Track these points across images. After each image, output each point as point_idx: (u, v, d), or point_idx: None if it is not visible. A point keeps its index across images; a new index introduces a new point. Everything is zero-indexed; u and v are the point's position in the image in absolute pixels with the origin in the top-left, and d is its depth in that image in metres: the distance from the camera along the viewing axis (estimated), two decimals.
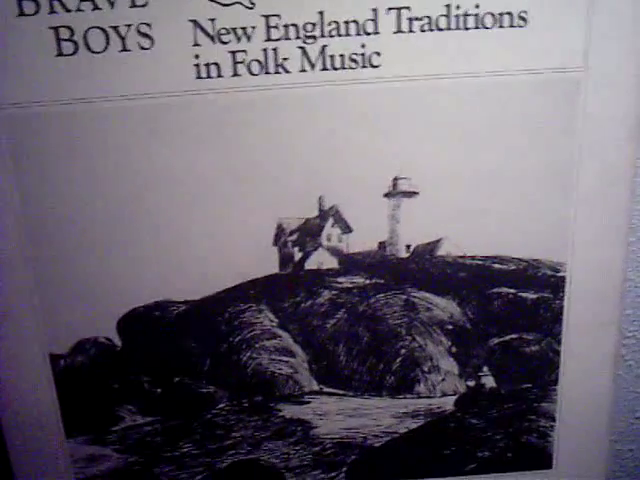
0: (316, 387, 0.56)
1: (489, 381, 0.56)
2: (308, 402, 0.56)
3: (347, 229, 0.51)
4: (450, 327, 0.54)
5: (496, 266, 0.53)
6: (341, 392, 0.56)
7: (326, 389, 0.56)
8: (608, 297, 0.54)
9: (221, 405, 0.55)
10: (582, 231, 0.52)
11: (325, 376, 0.55)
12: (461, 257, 0.52)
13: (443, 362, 0.55)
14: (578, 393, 0.57)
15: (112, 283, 0.51)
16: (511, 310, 0.54)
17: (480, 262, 0.53)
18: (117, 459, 0.56)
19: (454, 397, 0.56)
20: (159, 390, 0.55)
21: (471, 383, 0.56)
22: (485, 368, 0.56)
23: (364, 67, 0.47)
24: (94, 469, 0.56)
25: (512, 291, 0.54)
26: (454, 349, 0.55)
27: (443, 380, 0.56)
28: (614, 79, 0.48)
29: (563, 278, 0.53)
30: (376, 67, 0.47)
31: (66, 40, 0.45)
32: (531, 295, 0.54)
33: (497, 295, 0.54)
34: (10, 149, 0.47)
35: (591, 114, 0.49)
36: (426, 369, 0.55)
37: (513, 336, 0.55)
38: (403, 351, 0.55)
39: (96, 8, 0.44)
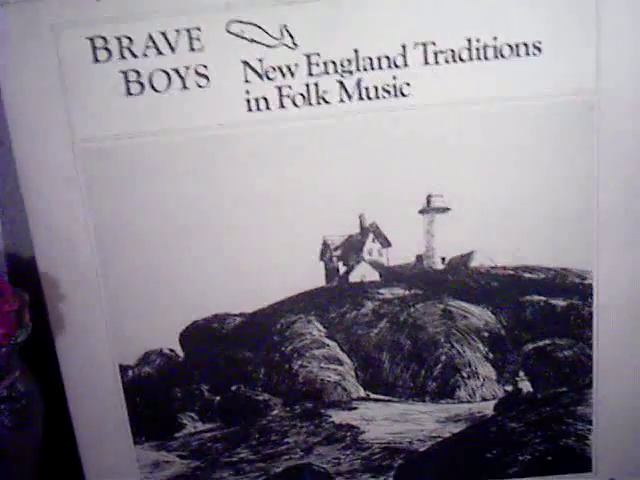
0: (363, 393, 0.60)
1: (526, 386, 0.60)
2: (356, 408, 0.60)
3: (386, 244, 0.56)
4: (486, 334, 0.58)
5: (526, 275, 0.57)
6: (386, 398, 0.60)
7: (372, 395, 0.60)
8: (635, 303, 0.57)
9: (275, 412, 0.60)
10: (605, 241, 0.55)
11: (371, 383, 0.60)
12: (493, 268, 0.57)
13: (481, 368, 0.59)
14: (613, 396, 0.59)
15: (175, 298, 0.57)
16: (543, 317, 0.58)
17: (511, 272, 0.57)
18: (180, 464, 0.61)
19: (493, 402, 0.60)
20: (218, 398, 0.60)
21: (509, 388, 0.60)
22: (521, 373, 0.59)
23: (396, 96, 0.52)
24: (159, 474, 0.61)
25: (543, 298, 0.57)
26: (491, 355, 0.59)
27: (482, 385, 0.59)
28: (625, 99, 0.52)
29: (590, 285, 0.57)
30: (406, 96, 0.52)
31: (134, 82, 0.52)
32: (561, 302, 0.58)
33: (529, 303, 0.58)
34: (85, 179, 0.54)
35: (605, 132, 0.53)
36: (465, 375, 0.59)
37: (546, 342, 0.58)
38: (443, 358, 0.59)
39: (160, 53, 0.51)
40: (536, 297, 0.58)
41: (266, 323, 0.58)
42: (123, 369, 0.58)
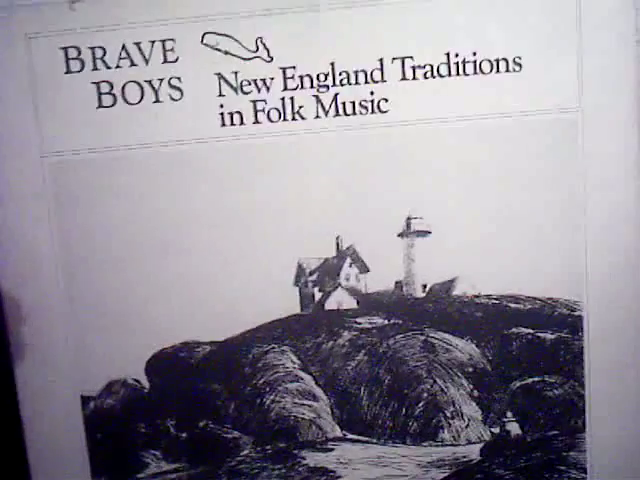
0: (339, 433, 0.56)
1: (514, 428, 0.56)
2: (332, 449, 0.56)
3: (364, 269, 0.53)
4: (470, 369, 0.55)
5: (512, 305, 0.54)
6: (364, 439, 0.56)
7: (349, 435, 0.56)
8: (629, 336, 0.54)
9: (245, 451, 0.56)
10: (595, 268, 0.53)
11: (348, 421, 0.56)
12: (476, 296, 0.54)
13: (466, 407, 0.55)
14: (608, 441, 0.55)
15: (143, 323, 0.54)
16: (530, 351, 0.55)
17: (496, 301, 0.54)
18: None
19: (479, 445, 0.56)
20: (184, 434, 0.56)
21: (496, 430, 0.56)
22: (509, 414, 0.55)
23: (373, 112, 0.51)
24: None
25: (530, 331, 0.54)
26: (476, 393, 0.55)
27: (467, 426, 0.56)
28: (609, 118, 0.51)
29: (580, 317, 0.54)
30: (384, 112, 0.51)
31: (106, 94, 0.51)
32: (549, 335, 0.54)
33: (515, 335, 0.54)
34: (54, 194, 0.52)
35: (591, 152, 0.51)
36: (449, 414, 0.55)
37: (535, 379, 0.55)
38: (425, 395, 0.55)
39: (133, 64, 0.50)
40: (523, 329, 0.54)
41: (237, 353, 0.55)
42: (85, 400, 0.55)
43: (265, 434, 0.56)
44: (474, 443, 0.56)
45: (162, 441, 0.56)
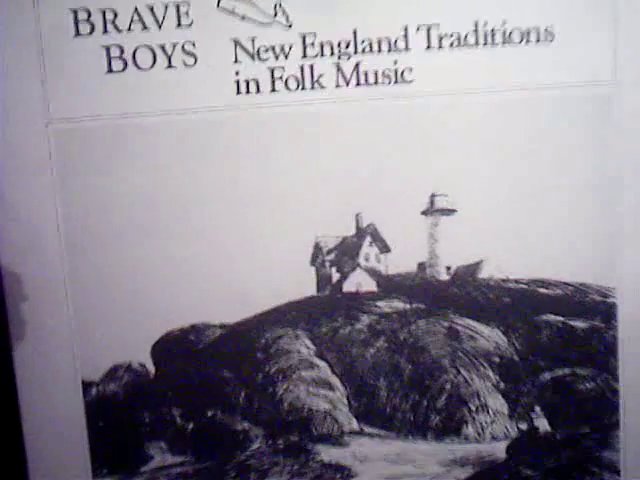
0: (356, 427, 0.52)
1: (543, 424, 0.52)
2: (347, 444, 0.53)
3: (385, 248, 0.51)
4: (497, 359, 0.52)
5: (541, 291, 0.51)
6: (382, 433, 0.52)
7: (367, 429, 0.52)
8: None
9: (256, 445, 0.53)
10: (630, 252, 0.50)
11: (365, 413, 0.52)
12: (504, 280, 0.51)
13: (491, 400, 0.52)
14: None
15: (150, 303, 0.51)
16: (561, 341, 0.51)
17: (524, 286, 0.51)
18: None
19: (505, 442, 0.52)
20: (191, 425, 0.53)
21: (523, 426, 0.52)
22: (537, 408, 0.52)
23: (397, 82, 0.48)
24: None
25: (560, 319, 0.51)
26: (502, 385, 0.52)
27: (493, 422, 0.52)
28: None
29: (614, 305, 0.50)
30: (409, 82, 0.49)
31: (116, 58, 0.48)
32: (581, 324, 0.51)
33: (545, 323, 0.51)
34: (58, 163, 0.49)
35: (626, 128, 0.48)
36: (473, 408, 0.52)
37: (566, 371, 0.51)
38: (448, 386, 0.52)
39: (145, 28, 0.48)
40: (553, 317, 0.51)
41: (249, 337, 0.52)
42: (86, 386, 0.52)
43: (277, 426, 0.52)
44: (500, 440, 0.52)
45: (167, 432, 0.53)
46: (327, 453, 0.53)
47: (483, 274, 0.51)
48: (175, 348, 0.52)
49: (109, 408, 0.52)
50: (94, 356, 0.51)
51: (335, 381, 0.52)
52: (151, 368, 0.52)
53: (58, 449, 0.52)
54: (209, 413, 0.52)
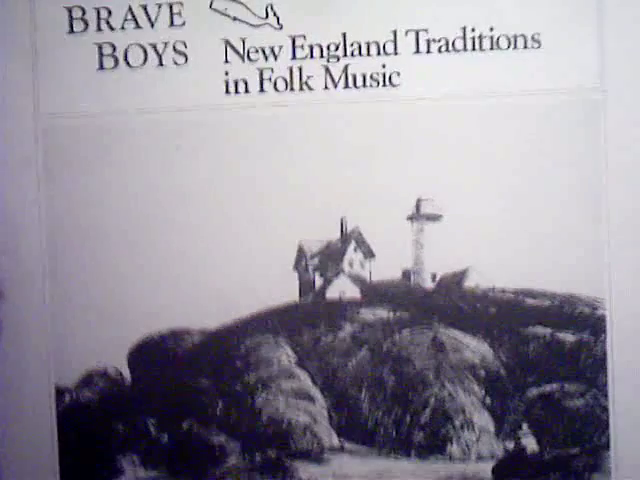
0: (336, 442, 0.50)
1: (530, 443, 0.50)
2: (327, 461, 0.50)
3: (369, 254, 0.50)
4: (482, 373, 0.50)
5: (529, 301, 0.50)
6: (364, 450, 0.50)
7: (347, 444, 0.50)
8: None
9: (232, 460, 0.50)
10: (619, 263, 0.49)
11: (346, 428, 0.50)
12: (490, 289, 0.50)
13: (477, 416, 0.50)
14: (635, 463, 0.49)
15: (128, 306, 0.50)
16: (549, 354, 0.50)
17: (511, 296, 0.50)
18: None
19: (491, 463, 0.50)
20: (166, 437, 0.50)
21: (510, 445, 0.50)
22: (525, 426, 0.50)
23: (385, 86, 0.49)
24: None
25: (549, 331, 0.50)
26: (488, 400, 0.50)
27: (478, 440, 0.50)
28: (634, 99, 0.48)
29: (603, 317, 0.49)
30: (396, 86, 0.49)
31: (108, 56, 0.49)
32: (569, 337, 0.50)
33: (532, 335, 0.50)
34: (44, 159, 0.49)
35: (613, 136, 0.48)
36: (458, 424, 0.50)
37: (554, 386, 0.50)
38: (432, 400, 0.50)
39: (137, 27, 0.49)
40: (541, 329, 0.50)
41: (229, 344, 0.50)
42: (60, 392, 0.50)
43: (255, 440, 0.50)
44: (486, 460, 0.50)
45: (141, 443, 0.51)
46: (306, 471, 0.50)
47: (469, 283, 0.50)
48: (153, 354, 0.50)
49: (82, 416, 0.50)
50: (69, 360, 0.50)
51: (315, 392, 0.50)
52: (127, 375, 0.50)
53: (27, 458, 0.50)
54: (185, 425, 0.50)
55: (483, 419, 0.50)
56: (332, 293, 0.50)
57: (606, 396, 0.50)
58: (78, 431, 0.50)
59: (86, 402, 0.50)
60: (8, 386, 0.50)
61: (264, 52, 0.49)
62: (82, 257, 0.50)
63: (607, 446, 0.50)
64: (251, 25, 0.49)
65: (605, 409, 0.50)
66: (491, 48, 0.49)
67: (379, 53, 0.49)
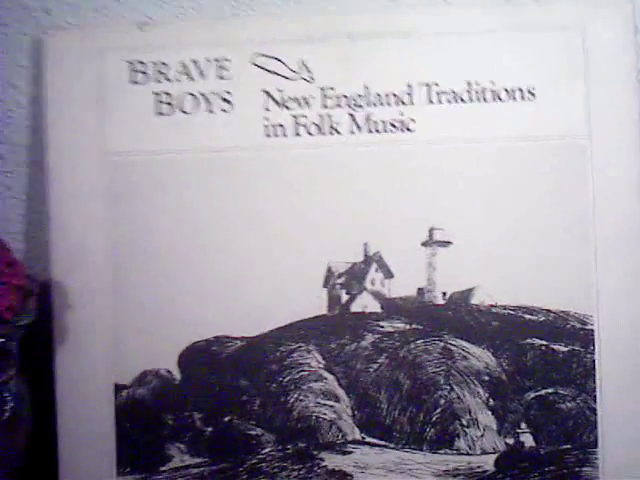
0: (358, 436, 0.58)
1: (528, 440, 0.57)
2: (350, 452, 0.58)
3: (389, 274, 0.58)
4: (486, 378, 0.58)
5: (527, 316, 0.57)
6: (382, 443, 0.58)
7: (368, 438, 0.58)
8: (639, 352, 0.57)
9: (267, 449, 0.58)
10: (605, 283, 0.56)
11: (367, 424, 0.58)
12: (493, 306, 0.57)
13: (481, 415, 0.58)
14: (620, 459, 0.57)
15: (179, 316, 0.58)
16: (544, 363, 0.57)
17: (511, 312, 0.57)
18: None
19: (494, 456, 0.58)
20: (210, 429, 0.58)
21: (510, 441, 0.58)
22: (523, 425, 0.58)
23: (402, 131, 0.57)
24: None
25: (544, 343, 0.57)
26: (491, 402, 0.58)
27: (482, 436, 0.58)
28: (616, 144, 0.56)
29: (592, 331, 0.57)
30: (412, 131, 0.57)
31: (164, 103, 0.57)
32: (562, 348, 0.57)
33: (530, 346, 0.57)
34: (109, 191, 0.57)
35: (598, 175, 0.56)
36: (465, 422, 0.58)
37: (549, 390, 0.57)
38: (442, 401, 0.58)
39: (190, 79, 0.57)
40: (537, 341, 0.57)
41: (265, 350, 0.58)
42: (118, 389, 0.58)
43: (287, 433, 0.58)
44: (489, 453, 0.58)
45: (188, 434, 0.58)
46: (331, 460, 0.58)
47: (475, 300, 0.57)
48: (199, 357, 0.58)
49: (136, 410, 0.58)
50: (127, 362, 0.58)
51: (341, 393, 0.58)
52: (177, 375, 0.58)
53: (88, 445, 0.58)
54: (226, 418, 0.58)
55: (487, 418, 0.58)
56: (356, 307, 0.58)
57: (594, 399, 0.57)
58: (133, 423, 0.58)
59: (141, 398, 0.58)
60: (76, 383, 0.58)
61: (298, 101, 0.57)
62: (141, 274, 0.58)
63: (595, 443, 0.57)
64: (287, 78, 0.57)
65: (593, 411, 0.57)
66: (493, 99, 0.56)
67: (397, 103, 0.57)
